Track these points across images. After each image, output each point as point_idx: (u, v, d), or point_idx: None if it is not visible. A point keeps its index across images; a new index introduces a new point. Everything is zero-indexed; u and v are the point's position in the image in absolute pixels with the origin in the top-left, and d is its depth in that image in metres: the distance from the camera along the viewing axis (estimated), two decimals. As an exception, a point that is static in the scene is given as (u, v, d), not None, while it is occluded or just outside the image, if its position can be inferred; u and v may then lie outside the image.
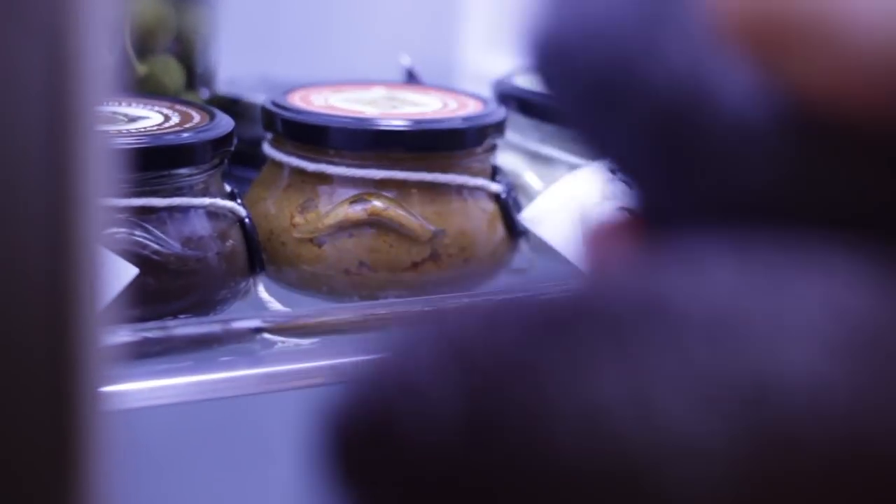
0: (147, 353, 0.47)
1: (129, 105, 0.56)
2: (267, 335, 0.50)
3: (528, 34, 0.27)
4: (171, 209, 0.51)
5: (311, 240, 0.56)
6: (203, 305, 0.52)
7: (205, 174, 0.53)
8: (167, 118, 0.55)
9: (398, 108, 0.59)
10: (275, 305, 0.54)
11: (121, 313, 0.44)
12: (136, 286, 0.48)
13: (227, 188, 0.56)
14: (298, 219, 0.56)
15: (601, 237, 0.29)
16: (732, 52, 0.23)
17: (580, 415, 0.22)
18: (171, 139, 0.52)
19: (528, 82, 0.68)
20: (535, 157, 0.65)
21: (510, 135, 0.64)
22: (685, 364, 0.22)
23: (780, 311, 0.22)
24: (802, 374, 0.21)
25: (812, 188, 0.23)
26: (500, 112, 0.60)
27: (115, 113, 0.54)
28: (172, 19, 0.64)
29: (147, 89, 0.61)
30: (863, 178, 0.23)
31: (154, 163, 0.52)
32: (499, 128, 0.59)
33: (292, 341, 0.50)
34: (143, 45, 0.62)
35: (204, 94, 0.66)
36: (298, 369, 0.50)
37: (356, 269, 0.56)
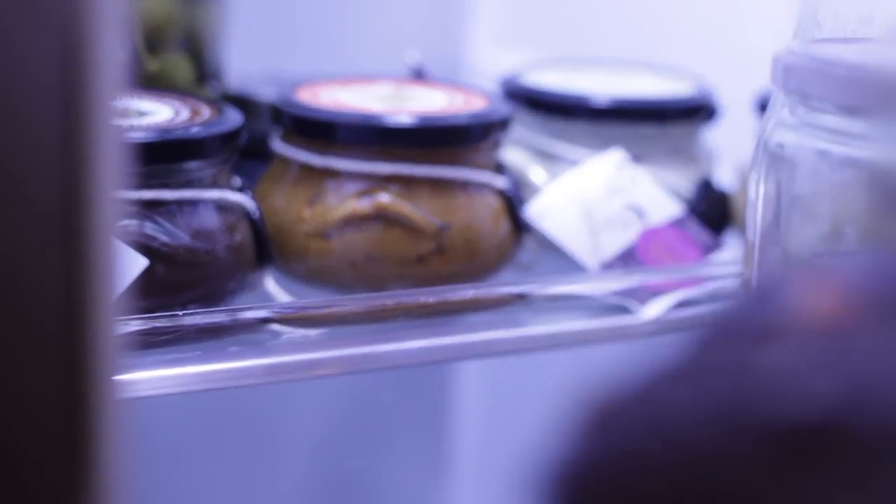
0: (156, 343, 0.47)
1: (140, 100, 0.56)
2: (275, 325, 0.50)
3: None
4: (180, 202, 0.52)
5: (318, 233, 0.56)
6: (211, 297, 0.52)
7: (214, 168, 0.54)
8: (177, 113, 0.55)
9: (405, 104, 0.59)
10: (283, 297, 0.55)
11: (130, 304, 0.44)
12: (145, 277, 0.48)
13: (237, 182, 0.56)
14: (306, 213, 0.56)
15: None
16: None
17: None
18: (181, 133, 0.53)
19: (534, 79, 0.68)
20: (541, 154, 0.65)
21: (517, 131, 0.64)
22: None
23: None
24: None
25: None
26: (505, 108, 0.60)
27: (126, 107, 0.54)
28: (182, 16, 0.65)
29: (157, 85, 0.61)
30: None
31: (164, 156, 0.52)
32: (504, 124, 0.59)
33: (300, 332, 0.51)
34: (154, 41, 0.62)
35: (214, 89, 0.66)
36: (306, 360, 0.50)
37: (363, 262, 0.56)
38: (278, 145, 0.58)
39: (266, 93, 0.66)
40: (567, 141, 0.65)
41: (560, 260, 0.60)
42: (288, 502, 0.68)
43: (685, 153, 0.66)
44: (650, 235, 0.60)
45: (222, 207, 0.54)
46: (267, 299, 0.55)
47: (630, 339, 0.57)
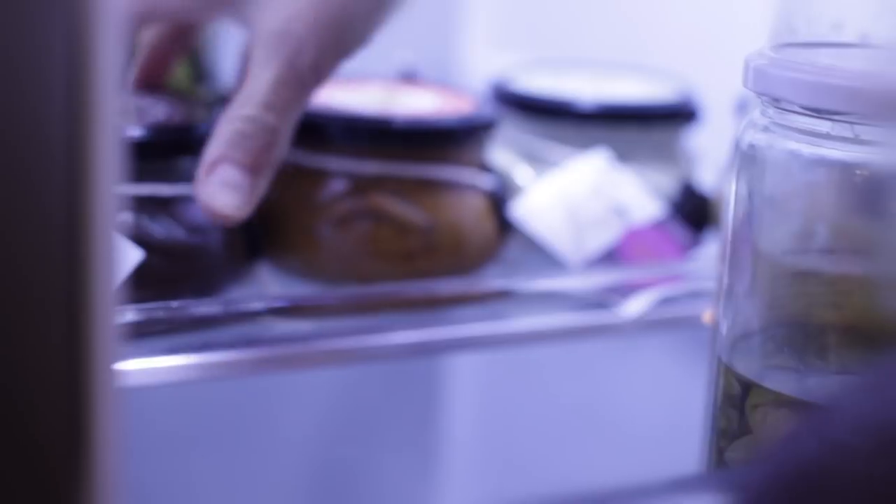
0: (149, 333, 0.48)
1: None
2: (267, 318, 0.51)
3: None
4: (176, 197, 0.53)
5: (310, 230, 0.57)
6: (205, 291, 0.53)
7: None
8: (174, 111, 0.56)
9: (396, 105, 0.60)
10: (275, 291, 0.56)
11: (126, 296, 0.45)
12: (141, 271, 0.49)
13: None
14: (299, 210, 0.58)
15: None
16: None
17: None
18: (179, 130, 0.54)
19: (523, 83, 0.69)
20: (528, 155, 0.67)
21: (505, 132, 0.66)
22: None
23: None
24: None
25: None
26: (492, 111, 0.61)
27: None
28: None
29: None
30: None
31: (161, 152, 0.53)
32: (490, 126, 0.60)
33: (291, 324, 0.52)
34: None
35: (210, 89, 0.68)
36: (296, 352, 0.51)
37: (353, 258, 0.57)
38: None
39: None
40: (553, 143, 0.66)
41: (544, 258, 0.61)
42: (279, 492, 0.69)
43: (667, 155, 0.68)
44: (632, 235, 0.61)
45: None
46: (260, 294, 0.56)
47: (612, 335, 0.58)
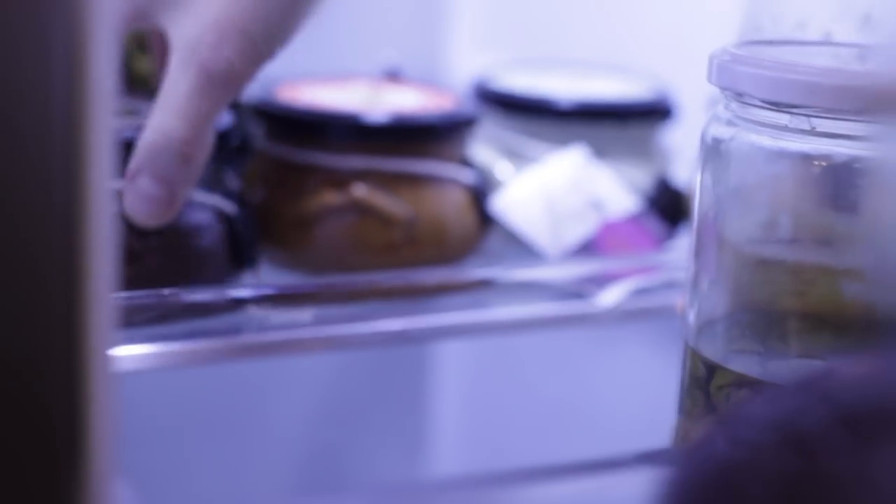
0: (142, 321, 0.49)
1: (131, 100, 0.59)
2: (256, 306, 0.53)
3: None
4: None
5: (298, 223, 0.59)
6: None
7: (209, 167, 0.56)
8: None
9: (378, 103, 0.62)
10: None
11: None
12: (139, 271, 0.50)
13: (231, 180, 0.58)
14: (287, 204, 0.59)
15: None
16: None
17: None
18: None
19: (503, 81, 0.71)
20: (507, 150, 0.68)
21: (486, 129, 0.67)
22: None
23: None
24: None
25: None
26: (473, 107, 0.63)
27: (120, 107, 0.57)
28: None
29: (147, 86, 0.63)
30: None
31: None
32: (471, 123, 0.62)
33: (279, 312, 0.53)
34: (140, 44, 0.65)
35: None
36: (284, 339, 0.52)
37: (338, 250, 0.58)
38: (260, 142, 0.61)
39: (249, 92, 0.68)
40: (532, 139, 0.67)
41: (524, 250, 0.63)
42: (270, 474, 0.70)
43: (643, 151, 0.69)
44: (608, 228, 0.62)
45: (212, 206, 0.56)
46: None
47: (589, 324, 0.60)
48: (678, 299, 0.58)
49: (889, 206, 0.43)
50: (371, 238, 0.59)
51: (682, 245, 0.65)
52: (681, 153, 0.71)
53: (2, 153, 0.26)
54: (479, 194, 0.62)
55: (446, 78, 0.99)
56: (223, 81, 0.51)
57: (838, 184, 0.44)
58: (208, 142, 0.52)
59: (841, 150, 0.43)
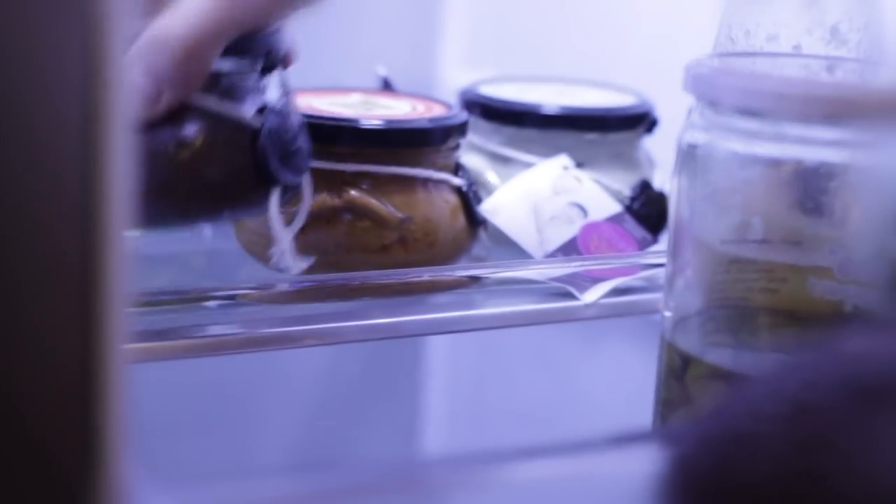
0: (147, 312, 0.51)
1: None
2: (252, 301, 0.54)
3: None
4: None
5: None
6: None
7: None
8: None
9: (372, 111, 0.63)
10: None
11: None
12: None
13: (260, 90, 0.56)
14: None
15: None
16: None
17: None
18: None
19: (490, 90, 0.72)
20: (495, 157, 0.70)
21: (473, 137, 0.69)
22: None
23: None
24: None
25: None
26: (462, 115, 0.64)
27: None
28: None
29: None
30: None
31: None
32: (461, 129, 0.63)
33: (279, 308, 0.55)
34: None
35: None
36: (287, 333, 0.54)
37: (333, 250, 0.60)
38: None
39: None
40: (518, 146, 0.69)
41: (510, 252, 0.64)
42: (268, 461, 0.72)
43: (626, 159, 0.71)
44: (590, 230, 0.64)
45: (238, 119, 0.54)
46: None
47: (572, 321, 0.61)
48: (659, 298, 0.60)
49: (857, 208, 0.45)
50: (364, 239, 0.60)
51: (662, 247, 0.66)
52: (662, 162, 0.73)
53: (17, 142, 0.27)
54: (468, 198, 0.63)
55: (438, 93, 1.00)
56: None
57: (807, 187, 0.45)
58: (208, 57, 0.51)
59: (809, 155, 0.44)
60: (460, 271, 0.60)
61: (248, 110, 0.53)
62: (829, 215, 0.46)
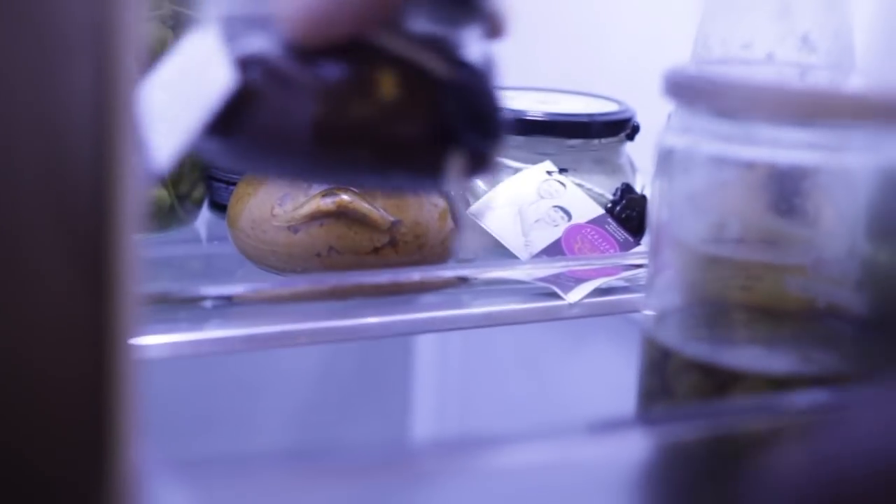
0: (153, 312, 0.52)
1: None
2: (249, 302, 0.56)
3: None
4: None
5: (288, 227, 0.61)
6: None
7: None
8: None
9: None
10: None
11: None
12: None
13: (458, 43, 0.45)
14: (278, 210, 0.62)
15: None
16: None
17: None
18: None
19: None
20: (482, 162, 0.71)
21: (460, 143, 0.70)
22: None
23: None
24: None
25: None
26: (450, 122, 0.66)
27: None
28: (173, 42, 0.70)
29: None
30: None
31: None
32: (449, 135, 0.65)
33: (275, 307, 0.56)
34: (146, 66, 0.67)
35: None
36: (277, 331, 0.55)
37: (326, 252, 0.61)
38: None
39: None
40: (504, 152, 0.71)
41: (497, 253, 0.66)
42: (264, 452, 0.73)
43: (608, 164, 0.72)
44: (573, 232, 0.66)
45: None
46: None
47: (556, 319, 0.63)
48: (640, 298, 0.62)
49: (828, 208, 0.47)
50: (356, 242, 0.61)
51: (643, 249, 0.68)
52: (643, 167, 0.75)
53: (31, 142, 0.27)
54: (456, 202, 0.65)
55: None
56: None
57: (780, 189, 0.47)
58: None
59: (782, 157, 0.46)
60: (449, 272, 0.61)
61: (438, 61, 0.42)
62: (801, 216, 0.47)
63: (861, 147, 0.45)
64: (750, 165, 0.47)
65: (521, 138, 0.71)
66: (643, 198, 0.71)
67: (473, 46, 0.44)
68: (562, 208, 0.66)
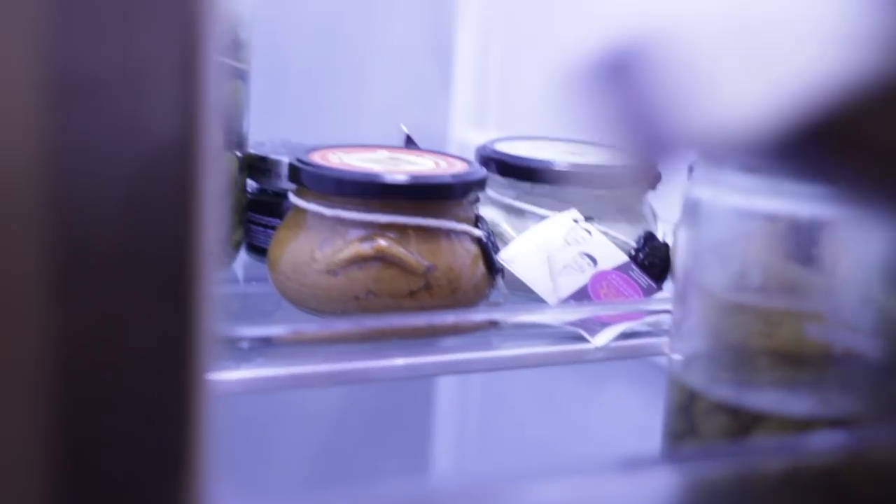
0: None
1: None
2: (292, 342, 0.58)
3: None
4: None
5: (328, 271, 0.63)
6: None
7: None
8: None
9: (399, 166, 0.67)
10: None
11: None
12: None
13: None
14: (318, 254, 0.64)
15: None
16: None
17: None
18: None
19: (505, 148, 0.76)
20: (510, 210, 0.74)
21: (490, 191, 0.73)
22: None
23: None
24: None
25: None
26: (481, 171, 0.68)
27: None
28: (244, 93, 0.72)
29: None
30: None
31: None
32: (481, 184, 0.67)
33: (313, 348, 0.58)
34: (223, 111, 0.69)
35: (237, 153, 0.73)
36: (319, 371, 0.57)
37: (364, 295, 0.63)
38: (295, 199, 0.66)
39: (281, 156, 0.73)
40: (532, 200, 0.73)
41: (526, 298, 0.68)
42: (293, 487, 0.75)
43: (632, 213, 0.75)
44: (599, 278, 0.68)
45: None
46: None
47: (584, 363, 0.65)
48: (663, 342, 0.64)
49: (845, 259, 0.49)
50: (392, 285, 0.63)
51: (665, 295, 0.70)
52: (664, 215, 0.77)
53: (115, 181, 0.28)
54: (487, 247, 0.67)
55: (448, 149, 1.04)
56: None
57: (800, 239, 0.49)
58: None
59: (802, 210, 0.48)
60: (482, 315, 0.63)
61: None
62: (820, 265, 0.49)
63: (875, 202, 0.47)
64: (772, 217, 0.49)
65: (548, 187, 0.73)
66: (665, 245, 0.73)
67: None
68: (588, 255, 0.69)
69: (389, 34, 1.09)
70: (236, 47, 0.71)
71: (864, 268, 0.47)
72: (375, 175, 0.64)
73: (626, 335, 0.64)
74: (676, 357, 0.51)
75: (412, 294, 0.63)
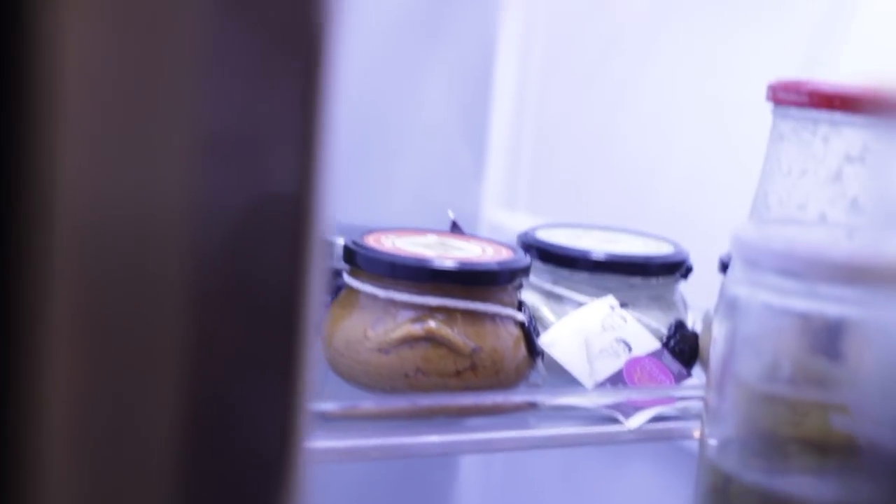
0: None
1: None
2: (344, 418, 0.61)
3: None
4: None
5: (379, 350, 0.66)
6: None
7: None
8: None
9: (448, 252, 0.70)
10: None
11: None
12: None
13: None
14: (371, 333, 0.66)
15: None
16: None
17: None
18: None
19: (545, 236, 0.80)
20: (550, 295, 0.77)
21: (532, 277, 0.76)
22: None
23: None
24: None
25: None
26: (526, 259, 0.71)
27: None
28: None
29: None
30: None
31: None
32: (525, 271, 0.70)
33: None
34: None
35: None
36: (358, 446, 0.60)
37: (413, 374, 0.66)
38: (349, 279, 0.69)
39: (334, 238, 0.77)
40: (570, 286, 0.77)
41: (564, 380, 0.71)
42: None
43: (664, 301, 0.78)
44: (634, 363, 0.72)
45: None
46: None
47: (616, 444, 0.68)
48: (692, 426, 0.67)
49: (869, 355, 0.52)
50: (440, 364, 0.66)
51: (695, 380, 0.73)
52: (694, 304, 0.81)
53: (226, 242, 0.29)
54: (529, 331, 0.70)
55: (482, 232, 1.08)
56: None
57: (828, 336, 0.52)
58: None
59: (832, 310, 0.51)
60: (523, 397, 0.67)
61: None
62: (846, 360, 0.52)
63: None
64: (804, 315, 0.52)
65: (585, 274, 0.77)
66: (694, 334, 0.77)
67: None
68: (623, 341, 0.72)
69: (423, 114, 1.13)
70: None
71: (885, 364, 0.50)
72: (427, 260, 0.67)
73: (656, 418, 0.67)
74: (712, 442, 0.54)
75: (458, 374, 0.66)
